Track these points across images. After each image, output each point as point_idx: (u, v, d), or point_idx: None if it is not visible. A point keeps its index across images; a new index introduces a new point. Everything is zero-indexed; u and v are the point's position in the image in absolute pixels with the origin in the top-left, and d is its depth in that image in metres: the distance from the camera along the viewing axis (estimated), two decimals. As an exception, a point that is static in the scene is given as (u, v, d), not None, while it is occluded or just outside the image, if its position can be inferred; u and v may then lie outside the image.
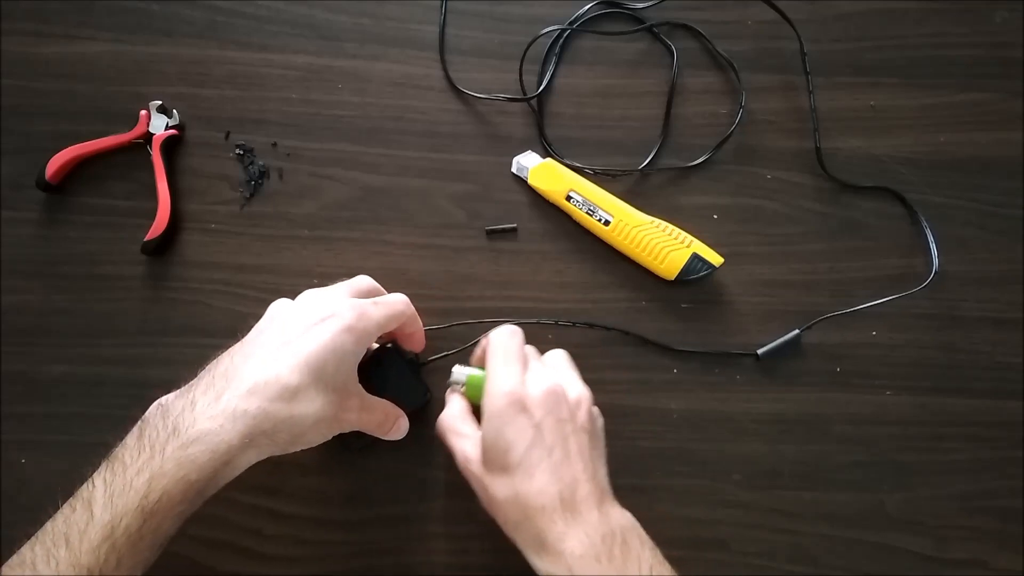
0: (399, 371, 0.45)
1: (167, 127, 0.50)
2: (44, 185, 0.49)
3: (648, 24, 0.53)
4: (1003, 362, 0.50)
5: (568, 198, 0.49)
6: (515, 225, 0.51)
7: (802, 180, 0.52)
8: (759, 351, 0.49)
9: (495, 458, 0.38)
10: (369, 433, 0.42)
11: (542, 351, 0.45)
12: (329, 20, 0.52)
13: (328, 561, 0.47)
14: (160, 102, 0.50)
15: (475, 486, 0.40)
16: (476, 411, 0.43)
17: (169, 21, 0.52)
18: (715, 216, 0.51)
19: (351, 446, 0.45)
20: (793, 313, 0.50)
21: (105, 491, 0.34)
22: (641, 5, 0.53)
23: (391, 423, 0.43)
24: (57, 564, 0.32)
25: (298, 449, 0.38)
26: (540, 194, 0.50)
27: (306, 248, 0.50)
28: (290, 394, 0.36)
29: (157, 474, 0.34)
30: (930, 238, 0.50)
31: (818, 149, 0.51)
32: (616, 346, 0.49)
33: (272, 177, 0.51)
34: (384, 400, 0.43)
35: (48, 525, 0.34)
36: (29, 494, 0.47)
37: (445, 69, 0.52)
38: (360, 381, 0.41)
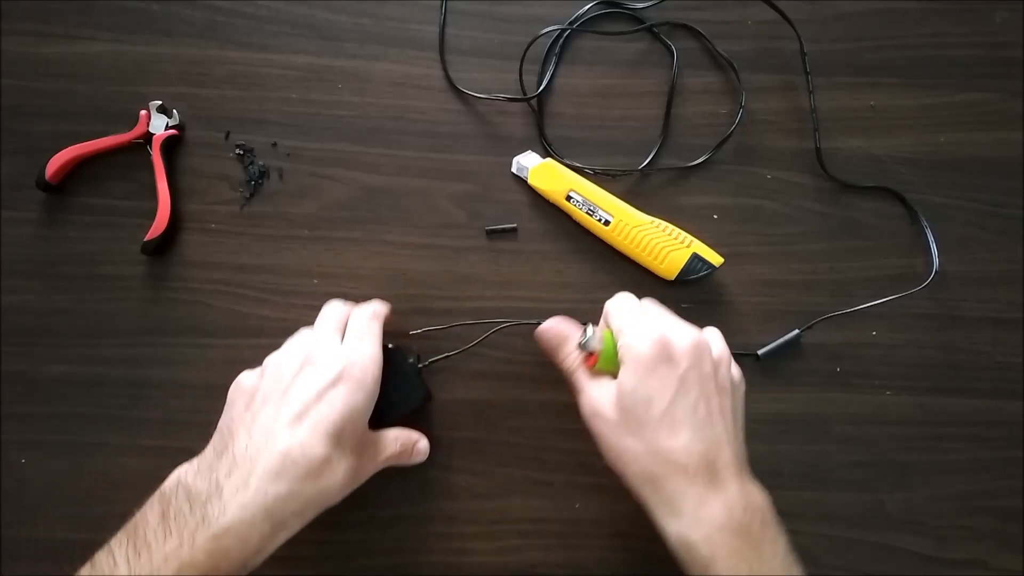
0: (400, 372, 0.45)
1: (167, 127, 0.50)
2: (44, 185, 0.48)
3: (648, 24, 0.53)
4: (1003, 362, 0.50)
5: (568, 198, 0.49)
6: (515, 225, 0.51)
7: (802, 180, 0.52)
8: (759, 351, 0.49)
9: (633, 408, 0.37)
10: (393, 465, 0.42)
11: (540, 349, 0.44)
12: (329, 20, 0.52)
13: (328, 561, 0.47)
14: (160, 102, 0.50)
15: (603, 438, 0.39)
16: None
17: (169, 21, 0.52)
18: (715, 216, 0.51)
19: None
20: (793, 313, 0.50)
21: (129, 571, 0.33)
22: (641, 5, 0.53)
23: (411, 450, 0.43)
24: None
25: None
26: (540, 194, 0.50)
27: (306, 248, 0.50)
28: (317, 469, 0.36)
29: (187, 564, 0.33)
30: (930, 238, 0.50)
31: (818, 149, 0.51)
32: (616, 346, 0.49)
33: (272, 177, 0.51)
34: (395, 430, 0.43)
35: None
36: (29, 494, 0.47)
37: (445, 69, 0.52)
38: None
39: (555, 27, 0.52)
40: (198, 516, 0.34)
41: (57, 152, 0.49)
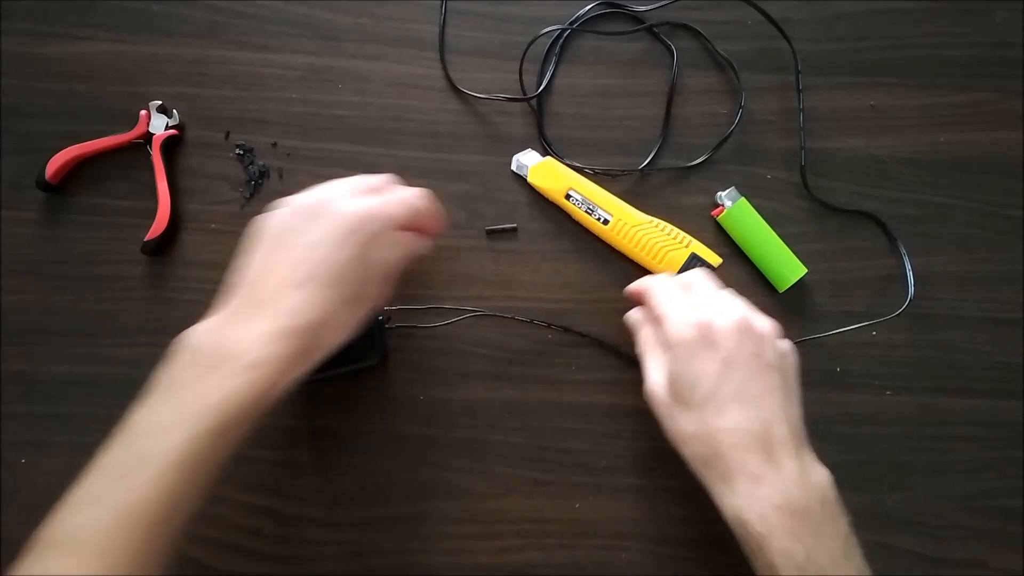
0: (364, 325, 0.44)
1: (167, 127, 0.50)
2: (44, 185, 0.48)
3: (648, 24, 0.53)
4: (1003, 362, 0.50)
5: (567, 196, 0.49)
6: (515, 225, 0.51)
7: (801, 180, 0.52)
8: None
9: (681, 391, 0.38)
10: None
11: (540, 349, 0.45)
12: (329, 20, 0.52)
13: (328, 561, 0.47)
14: (160, 102, 0.50)
15: (660, 420, 0.40)
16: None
17: (169, 21, 0.52)
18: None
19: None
20: (792, 313, 0.50)
21: (172, 414, 0.33)
22: (641, 7, 0.53)
23: (423, 244, 0.42)
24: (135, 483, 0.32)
25: None
26: (540, 192, 0.50)
27: (306, 248, 0.50)
28: (332, 311, 0.36)
29: (229, 394, 0.33)
30: (907, 265, 0.50)
31: (803, 167, 0.51)
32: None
33: (272, 177, 0.51)
34: (405, 233, 0.41)
35: (105, 459, 0.34)
36: (29, 494, 0.47)
37: (445, 69, 0.52)
38: None
39: (555, 27, 0.52)
40: (226, 353, 0.34)
41: (57, 152, 0.49)
